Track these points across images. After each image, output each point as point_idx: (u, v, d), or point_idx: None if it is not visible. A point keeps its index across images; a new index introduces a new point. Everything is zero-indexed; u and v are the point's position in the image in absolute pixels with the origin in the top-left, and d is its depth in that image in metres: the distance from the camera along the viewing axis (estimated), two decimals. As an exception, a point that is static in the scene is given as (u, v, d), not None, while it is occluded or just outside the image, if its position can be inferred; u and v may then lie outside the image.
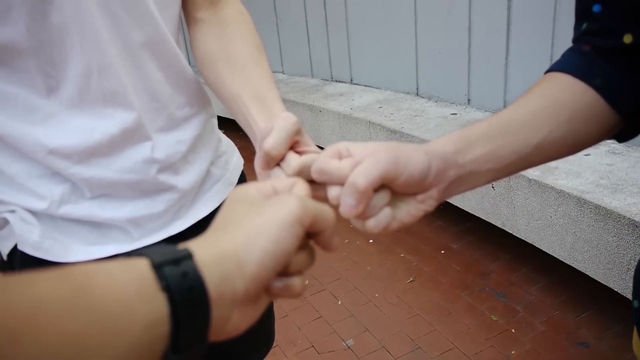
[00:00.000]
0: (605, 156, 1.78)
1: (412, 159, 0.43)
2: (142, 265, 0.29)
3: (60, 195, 0.61)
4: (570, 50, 0.54)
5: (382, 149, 0.43)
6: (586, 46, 0.52)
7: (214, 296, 0.31)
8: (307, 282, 2.12)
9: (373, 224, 0.43)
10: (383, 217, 0.43)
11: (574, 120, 0.49)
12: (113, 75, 0.58)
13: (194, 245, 0.33)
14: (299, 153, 0.51)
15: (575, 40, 0.54)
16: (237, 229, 0.35)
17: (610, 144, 1.85)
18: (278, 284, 0.36)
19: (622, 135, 0.53)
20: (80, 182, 0.60)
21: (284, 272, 0.37)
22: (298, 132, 0.51)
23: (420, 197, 0.45)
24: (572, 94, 0.49)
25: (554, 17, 1.95)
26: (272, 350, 0.92)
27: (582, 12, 0.53)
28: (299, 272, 0.38)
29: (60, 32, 0.54)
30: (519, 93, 2.24)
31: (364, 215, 0.43)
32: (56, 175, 0.60)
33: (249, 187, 0.40)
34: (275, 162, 0.50)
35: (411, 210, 0.45)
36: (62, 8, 0.53)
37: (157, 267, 0.29)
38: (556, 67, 0.53)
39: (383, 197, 0.43)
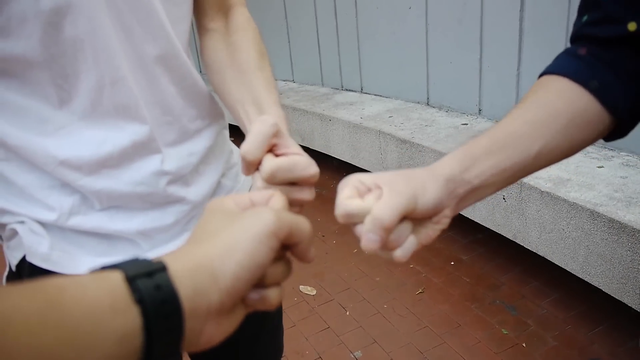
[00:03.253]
0: (619, 169, 1.76)
1: (427, 189, 0.44)
2: (116, 278, 0.30)
3: (70, 207, 0.60)
4: (565, 53, 0.55)
5: (400, 181, 0.43)
6: (582, 49, 0.53)
7: (187, 309, 0.31)
8: (315, 292, 2.10)
9: (400, 253, 0.44)
10: (408, 245, 0.44)
11: (570, 127, 0.50)
12: (125, 89, 0.58)
13: (169, 258, 0.33)
14: (278, 156, 0.50)
15: (575, 34, 0.55)
16: (212, 241, 0.35)
17: (624, 157, 1.83)
18: (254, 295, 0.37)
19: (610, 135, 0.55)
20: (90, 194, 0.60)
21: (260, 283, 0.37)
22: (276, 135, 0.50)
23: (435, 218, 0.46)
24: (567, 100, 0.51)
25: (566, 28, 1.94)
26: (280, 362, 0.91)
27: (586, 3, 0.54)
28: (276, 284, 0.38)
29: (74, 45, 0.54)
30: (530, 104, 2.22)
31: (390, 246, 0.43)
32: (66, 186, 0.60)
33: (225, 199, 0.40)
34: (254, 166, 0.49)
35: (429, 231, 0.46)
36: (76, 22, 0.53)
37: (131, 280, 0.29)
38: (552, 70, 0.54)
39: (407, 226, 0.44)
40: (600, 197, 1.58)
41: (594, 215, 1.53)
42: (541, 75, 0.55)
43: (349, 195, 0.44)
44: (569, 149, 0.51)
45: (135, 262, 0.31)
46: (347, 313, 1.98)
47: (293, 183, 0.49)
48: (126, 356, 0.28)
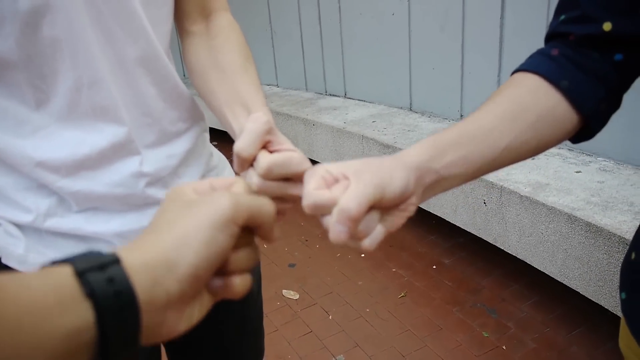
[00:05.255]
0: (596, 174, 1.79)
1: (393, 178, 0.44)
2: (64, 273, 0.29)
3: (47, 208, 0.60)
4: (538, 53, 0.56)
5: (367, 171, 0.43)
6: (554, 50, 0.54)
7: (144, 300, 0.30)
8: (297, 296, 2.10)
9: (368, 243, 0.44)
10: (376, 235, 0.44)
11: (539, 124, 0.51)
12: (104, 90, 0.58)
13: (123, 251, 0.32)
14: (272, 152, 0.51)
15: (550, 33, 0.57)
16: (168, 231, 0.35)
17: (601, 162, 1.86)
18: (217, 282, 0.36)
19: (576, 137, 0.56)
20: (68, 195, 0.60)
21: (225, 270, 0.37)
22: (269, 132, 0.51)
23: (401, 206, 0.46)
24: (537, 97, 0.52)
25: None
26: (261, 366, 0.91)
27: (565, 3, 0.55)
28: (241, 271, 0.38)
29: (52, 45, 0.53)
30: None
31: (359, 236, 0.43)
32: (43, 188, 0.60)
33: (184, 187, 0.40)
34: (248, 163, 0.50)
35: (395, 219, 0.46)
36: (54, 22, 0.52)
37: (81, 274, 0.29)
38: (524, 67, 0.55)
39: (375, 216, 0.44)
40: (577, 202, 1.61)
41: (571, 219, 1.56)
42: (514, 72, 0.56)
43: (316, 186, 0.43)
44: (537, 146, 0.52)
45: (87, 255, 0.31)
46: (330, 317, 1.98)
47: (287, 179, 0.50)
48: (78, 352, 0.28)
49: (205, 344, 0.82)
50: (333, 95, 3.23)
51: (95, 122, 0.59)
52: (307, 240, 2.52)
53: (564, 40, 0.55)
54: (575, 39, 0.53)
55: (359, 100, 3.05)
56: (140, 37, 0.60)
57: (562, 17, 0.55)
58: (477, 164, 0.49)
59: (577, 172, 1.81)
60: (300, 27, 3.26)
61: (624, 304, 0.63)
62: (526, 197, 1.69)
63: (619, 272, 1.57)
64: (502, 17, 2.12)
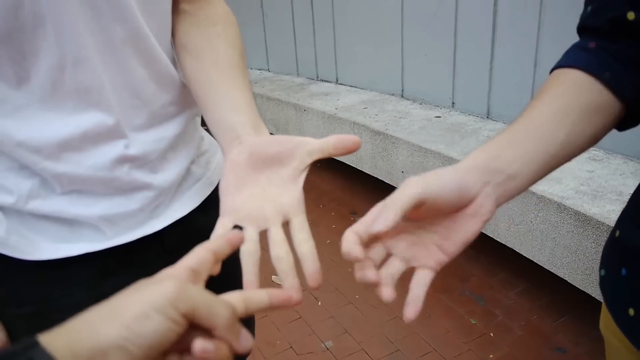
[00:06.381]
0: (585, 163, 1.80)
1: (439, 175, 0.45)
2: None
3: (29, 190, 0.58)
4: (575, 47, 0.57)
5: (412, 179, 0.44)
6: (592, 43, 0.55)
7: None
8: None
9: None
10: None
11: (588, 115, 0.52)
12: (89, 70, 0.56)
13: (48, 336, 0.30)
14: None
15: (580, 25, 0.57)
16: (99, 310, 0.33)
17: (591, 151, 1.87)
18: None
19: (622, 124, 0.57)
20: (51, 177, 0.58)
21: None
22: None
23: (469, 210, 0.46)
24: (581, 90, 0.53)
25: (538, 26, 1.97)
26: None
27: None
28: None
29: (34, 20, 0.51)
30: (502, 98, 2.26)
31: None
32: (25, 169, 0.58)
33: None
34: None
35: (468, 225, 0.47)
36: None
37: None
38: (564, 63, 0.56)
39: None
40: (567, 191, 1.62)
41: (560, 208, 1.56)
42: (553, 69, 0.57)
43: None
44: (591, 135, 0.53)
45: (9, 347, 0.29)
46: (319, 303, 1.98)
47: None
48: None
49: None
50: (324, 80, 3.21)
51: (79, 103, 0.56)
52: (296, 227, 2.51)
53: (597, 32, 0.55)
54: (608, 30, 0.53)
55: (350, 86, 3.03)
56: (128, 17, 0.58)
57: (589, 8, 0.56)
58: (540, 160, 0.49)
59: (567, 161, 1.82)
60: (292, 10, 3.22)
61: (603, 280, 0.65)
62: (516, 185, 1.69)
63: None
64: (495, 3, 2.10)
